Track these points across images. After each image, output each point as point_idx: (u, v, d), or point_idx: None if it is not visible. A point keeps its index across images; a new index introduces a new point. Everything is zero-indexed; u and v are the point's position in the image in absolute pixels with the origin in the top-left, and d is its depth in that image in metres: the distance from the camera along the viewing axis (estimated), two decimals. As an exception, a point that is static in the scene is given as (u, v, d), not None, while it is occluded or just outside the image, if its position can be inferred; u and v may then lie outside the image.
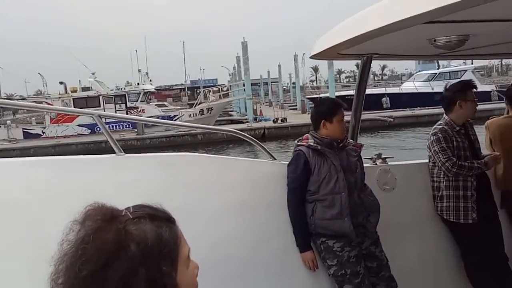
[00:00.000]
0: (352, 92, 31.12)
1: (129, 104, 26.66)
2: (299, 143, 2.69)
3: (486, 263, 2.95)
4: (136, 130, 23.29)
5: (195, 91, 67.55)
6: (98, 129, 23.93)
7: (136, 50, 39.08)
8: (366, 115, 24.50)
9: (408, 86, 29.40)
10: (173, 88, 74.29)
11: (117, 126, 24.95)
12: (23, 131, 25.24)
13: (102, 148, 21.83)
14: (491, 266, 2.97)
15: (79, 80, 31.00)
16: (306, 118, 25.66)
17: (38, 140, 24.83)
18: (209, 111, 26.93)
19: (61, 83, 27.74)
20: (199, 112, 26.80)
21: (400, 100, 26.74)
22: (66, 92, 27.17)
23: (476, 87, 3.06)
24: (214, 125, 26.40)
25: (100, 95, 26.40)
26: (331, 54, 2.60)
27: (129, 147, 21.91)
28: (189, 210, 2.20)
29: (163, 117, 25.92)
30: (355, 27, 1.97)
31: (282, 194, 2.63)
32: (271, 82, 50.91)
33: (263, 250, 2.55)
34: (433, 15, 1.41)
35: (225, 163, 2.72)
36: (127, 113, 26.06)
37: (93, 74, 27.73)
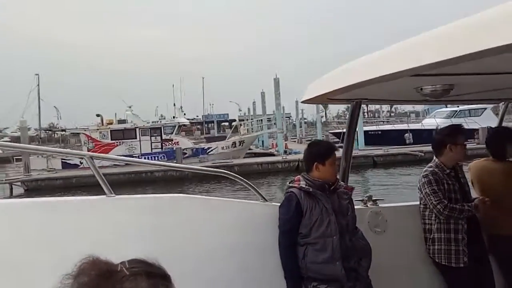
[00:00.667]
0: (375, 127, 32.31)
1: (164, 137, 27.59)
2: (290, 184, 2.70)
3: None
4: (175, 161, 24.10)
5: (205, 125, 68.51)
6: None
7: (173, 85, 41.79)
8: (397, 149, 25.55)
9: (429, 123, 30.45)
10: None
11: (153, 158, 25.76)
12: (61, 161, 25.93)
13: (142, 178, 22.53)
14: None
15: (115, 113, 32.21)
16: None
17: (76, 170, 25.48)
18: (241, 144, 27.85)
19: (98, 115, 28.77)
20: (232, 144, 27.72)
21: (422, 136, 27.68)
22: (103, 124, 28.13)
23: (465, 132, 3.13)
24: (244, 157, 27.27)
25: (137, 127, 27.38)
26: (321, 99, 2.66)
27: (169, 178, 22.95)
28: (179, 252, 2.26)
29: (196, 150, 26.85)
30: (344, 77, 2.06)
31: (274, 236, 2.61)
32: (285, 117, 52.16)
33: None
34: (419, 71, 1.49)
35: (216, 204, 2.72)
36: (162, 145, 27.01)
37: (130, 107, 28.85)
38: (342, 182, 2.86)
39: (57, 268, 0.88)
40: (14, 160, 27.20)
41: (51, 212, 2.11)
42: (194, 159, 25.70)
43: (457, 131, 3.07)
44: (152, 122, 29.25)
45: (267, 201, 2.83)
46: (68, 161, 26.13)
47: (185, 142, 28.03)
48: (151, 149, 27.02)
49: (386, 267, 2.84)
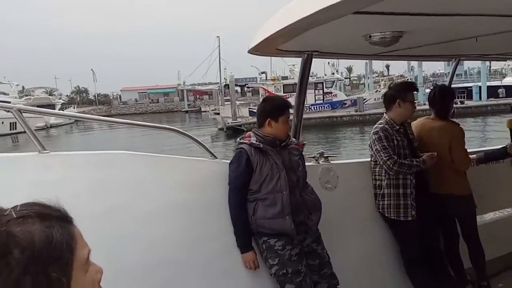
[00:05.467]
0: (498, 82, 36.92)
1: (325, 90, 33.79)
2: (241, 140, 2.64)
3: (423, 259, 3.03)
4: (356, 107, 31.28)
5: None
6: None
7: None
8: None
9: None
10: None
11: (320, 107, 32.13)
12: (249, 110, 32.43)
13: (333, 122, 28.54)
14: (427, 261, 3.06)
15: (275, 71, 39.09)
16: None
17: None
18: None
19: (262, 72, 35.35)
20: (381, 97, 33.77)
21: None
22: (266, 79, 34.63)
23: (417, 90, 3.19)
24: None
25: (304, 81, 33.54)
26: (269, 49, 2.57)
27: (354, 121, 29.36)
28: (121, 212, 2.19)
29: (355, 101, 32.98)
30: (285, 18, 1.88)
31: (223, 193, 2.56)
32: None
33: (202, 252, 2.47)
34: (361, 3, 1.37)
35: (162, 161, 2.60)
36: (323, 97, 33.20)
37: (293, 65, 34.89)
38: (293, 139, 2.84)
39: None
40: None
41: None
42: (351, 108, 31.99)
43: (408, 88, 3.11)
44: (317, 77, 35.48)
45: (216, 158, 2.74)
46: (254, 110, 32.59)
47: (341, 95, 34.39)
48: (315, 100, 33.32)
49: (336, 222, 2.89)
